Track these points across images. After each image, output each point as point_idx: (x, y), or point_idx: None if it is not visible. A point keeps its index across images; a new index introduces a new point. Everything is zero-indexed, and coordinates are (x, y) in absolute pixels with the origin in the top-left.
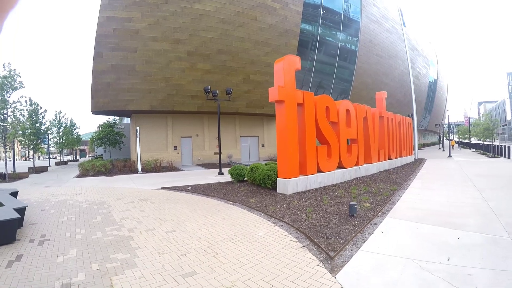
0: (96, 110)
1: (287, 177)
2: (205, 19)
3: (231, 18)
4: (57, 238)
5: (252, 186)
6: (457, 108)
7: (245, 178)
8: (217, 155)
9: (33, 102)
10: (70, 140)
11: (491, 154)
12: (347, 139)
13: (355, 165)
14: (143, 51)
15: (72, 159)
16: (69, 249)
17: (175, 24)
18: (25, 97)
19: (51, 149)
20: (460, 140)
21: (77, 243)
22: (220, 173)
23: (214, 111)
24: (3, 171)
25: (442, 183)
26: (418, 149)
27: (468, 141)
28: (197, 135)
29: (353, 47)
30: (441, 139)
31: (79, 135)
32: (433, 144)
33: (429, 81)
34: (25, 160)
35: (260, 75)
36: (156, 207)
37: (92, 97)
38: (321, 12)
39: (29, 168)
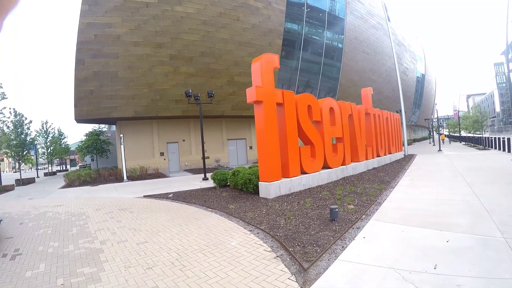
0: (80, 119)
1: (269, 181)
2: (186, 21)
3: (213, 19)
4: (30, 252)
5: (235, 191)
6: (447, 102)
7: (228, 183)
8: (205, 159)
9: (17, 113)
10: (58, 150)
11: (481, 146)
12: (332, 138)
13: (341, 165)
14: (125, 56)
15: (61, 169)
16: (38, 264)
17: (157, 28)
18: (10, 108)
19: (41, 160)
20: (450, 133)
21: (48, 257)
22: (205, 179)
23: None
24: None
25: (431, 180)
26: (408, 144)
27: (458, 135)
28: (184, 140)
29: (338, 45)
30: (431, 134)
31: (68, 144)
32: (424, 139)
33: (417, 76)
34: (15, 172)
35: (244, 76)
36: (133, 216)
37: (75, 106)
38: (305, 10)
39: (16, 180)
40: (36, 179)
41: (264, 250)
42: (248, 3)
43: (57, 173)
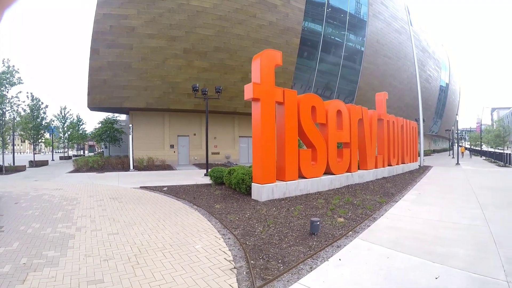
0: (92, 107)
1: (262, 183)
2: (202, 16)
3: (229, 15)
4: (11, 231)
5: (229, 190)
6: (471, 114)
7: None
8: (215, 155)
9: (34, 97)
10: (75, 135)
11: (502, 163)
12: (338, 143)
13: (346, 172)
14: (139, 48)
15: (77, 154)
16: (14, 242)
17: (172, 21)
18: (27, 92)
19: (60, 144)
20: (472, 147)
21: (24, 237)
22: (207, 175)
23: (213, 110)
24: (1, 163)
25: (440, 197)
26: (427, 155)
27: (480, 149)
28: (195, 134)
29: (360, 48)
30: (452, 146)
31: (85, 130)
32: (444, 150)
33: (441, 85)
34: (36, 153)
35: None
36: (119, 206)
37: (88, 94)
38: (326, 10)
39: (30, 162)
40: (50, 162)
41: (224, 258)
42: (266, 0)
43: (72, 158)
